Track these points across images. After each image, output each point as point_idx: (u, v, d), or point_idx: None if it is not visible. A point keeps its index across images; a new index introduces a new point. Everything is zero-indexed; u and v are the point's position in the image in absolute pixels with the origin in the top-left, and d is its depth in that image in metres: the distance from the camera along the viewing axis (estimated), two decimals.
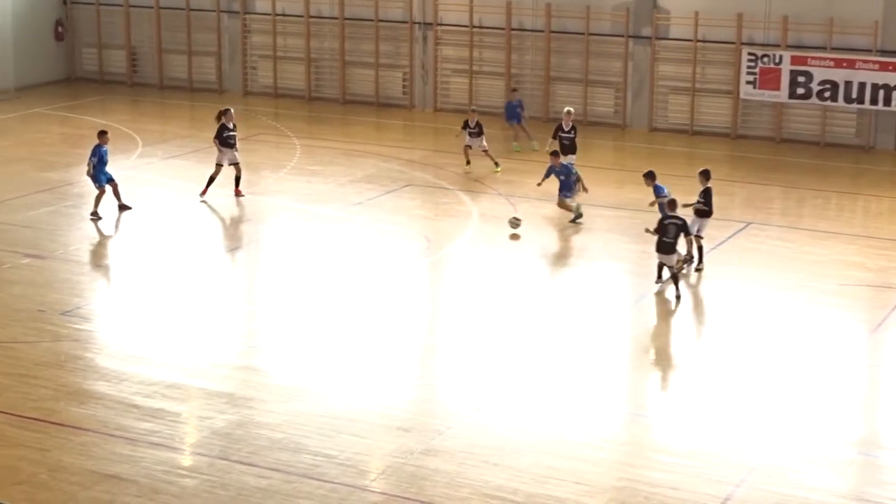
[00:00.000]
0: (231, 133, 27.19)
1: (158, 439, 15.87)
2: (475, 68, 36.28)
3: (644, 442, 16.28)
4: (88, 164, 25.67)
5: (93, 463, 15.20)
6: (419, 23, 36.83)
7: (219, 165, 27.04)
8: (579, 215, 25.51)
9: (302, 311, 20.78)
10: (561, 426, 16.37)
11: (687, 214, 22.30)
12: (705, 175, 23.13)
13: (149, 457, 15.36)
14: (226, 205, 26.82)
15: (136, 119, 35.64)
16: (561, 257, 24.21)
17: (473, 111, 30.68)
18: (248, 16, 39.20)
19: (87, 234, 25.12)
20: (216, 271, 23.00)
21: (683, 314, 20.82)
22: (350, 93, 37.92)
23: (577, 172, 25.85)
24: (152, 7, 40.10)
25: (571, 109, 29.09)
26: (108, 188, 25.80)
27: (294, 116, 36.02)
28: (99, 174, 25.68)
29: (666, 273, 21.53)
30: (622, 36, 34.48)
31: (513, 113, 32.41)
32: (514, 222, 24.94)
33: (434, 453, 15.51)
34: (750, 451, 15.66)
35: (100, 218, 25.55)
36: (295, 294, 21.58)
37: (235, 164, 27.21)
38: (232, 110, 27.53)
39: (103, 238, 25.01)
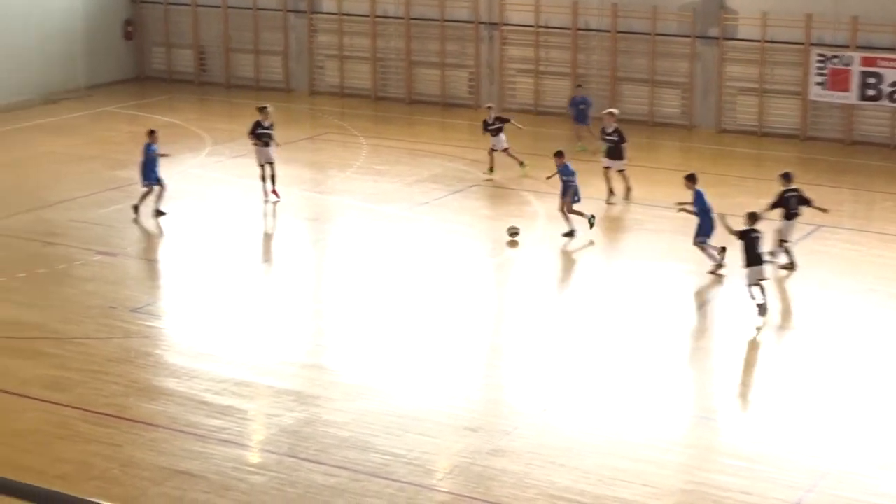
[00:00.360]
0: (265, 130, 26.80)
1: (228, 436, 16.00)
2: (541, 68, 36.24)
3: (712, 445, 16.21)
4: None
5: (163, 459, 15.36)
6: (485, 23, 36.84)
7: (261, 166, 26.81)
8: (591, 222, 24.68)
9: (369, 310, 20.86)
10: (627, 428, 16.34)
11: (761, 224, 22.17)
12: (786, 177, 22.99)
13: (218, 453, 15.50)
14: (293, 203, 26.96)
15: (203, 118, 35.92)
16: (626, 258, 24.12)
17: (489, 107, 30.27)
18: (314, 15, 39.39)
19: (156, 231, 25.36)
20: (284, 270, 23.13)
21: (752, 317, 20.69)
22: (416, 92, 38.00)
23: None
24: (220, 6, 40.38)
25: (615, 111, 28.53)
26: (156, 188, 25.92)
27: (360, 116, 36.15)
28: (148, 172, 25.88)
29: (759, 295, 20.35)
30: (689, 36, 34.30)
31: (581, 114, 32.18)
32: (513, 231, 24.36)
33: (501, 454, 15.54)
34: (821, 456, 15.55)
35: (163, 214, 25.81)
36: (362, 293, 21.67)
37: (270, 164, 26.84)
38: (269, 108, 27.25)
39: (172, 236, 25.22)
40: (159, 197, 25.92)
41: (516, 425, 16.39)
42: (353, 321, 20.50)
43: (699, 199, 22.81)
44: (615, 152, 27.28)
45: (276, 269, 23.06)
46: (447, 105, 37.15)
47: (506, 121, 29.64)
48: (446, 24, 37.22)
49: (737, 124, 34.16)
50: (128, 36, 41.79)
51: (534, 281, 22.36)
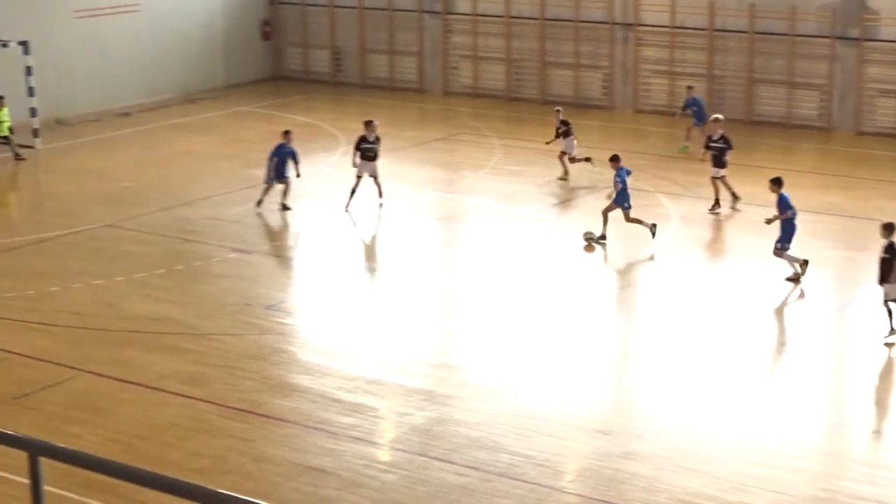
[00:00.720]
0: (370, 145, 26.47)
1: (359, 434, 16.15)
2: (676, 69, 35.96)
3: (846, 453, 15.95)
4: (270, 161, 26.39)
5: (296, 455, 15.56)
6: (620, 23, 36.66)
7: (359, 177, 26.47)
8: (652, 232, 24.04)
9: (500, 310, 20.89)
10: (760, 433, 16.14)
11: None
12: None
13: (350, 451, 15.65)
14: (426, 203, 27.10)
15: (338, 117, 36.28)
16: (762, 261, 23.77)
17: (558, 111, 30.00)
18: (449, 16, 39.56)
19: (291, 230, 25.71)
20: (416, 269, 23.25)
21: (886, 325, 20.28)
22: (549, 93, 37.95)
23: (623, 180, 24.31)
24: (356, 7, 40.77)
25: (720, 116, 27.47)
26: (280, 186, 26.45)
27: (493, 116, 36.20)
28: (277, 169, 26.35)
29: None
30: (828, 37, 33.75)
31: (696, 116, 31.74)
32: (588, 236, 24.14)
33: (632, 457, 15.46)
34: None
35: (288, 209, 26.24)
36: (493, 293, 21.71)
37: (374, 177, 26.55)
38: (375, 122, 26.86)
39: (306, 234, 25.53)
40: (285, 193, 26.43)
41: (647, 428, 16.29)
42: (484, 321, 20.55)
43: (784, 204, 22.16)
44: (720, 160, 26.48)
45: (409, 268, 23.19)
46: (580, 106, 37.00)
47: (568, 125, 29.31)
48: (581, 24, 37.11)
49: (876, 126, 33.51)
50: (265, 36, 42.42)
51: (666, 283, 22.18)
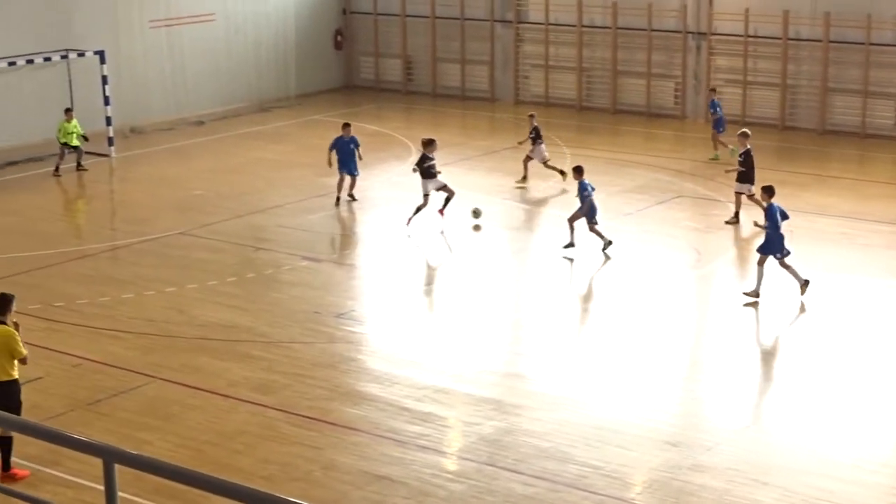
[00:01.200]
0: (432, 163, 26.30)
1: (427, 443, 16.16)
2: (749, 78, 35.69)
3: None
4: (330, 152, 27.63)
5: (364, 463, 15.59)
6: (693, 32, 36.46)
7: (426, 196, 26.22)
8: (605, 246, 24.01)
9: (569, 319, 20.83)
10: (833, 447, 15.95)
11: None
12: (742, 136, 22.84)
13: (418, 460, 15.66)
14: (496, 213, 27.07)
15: (409, 126, 36.38)
16: (838, 273, 23.50)
17: (531, 116, 30.48)
18: (521, 25, 39.55)
19: (361, 238, 25.81)
20: (485, 278, 23.19)
21: None
22: (621, 102, 37.83)
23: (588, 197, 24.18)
24: (428, 17, 40.86)
25: (748, 132, 26.73)
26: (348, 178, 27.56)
27: (564, 126, 36.10)
28: (340, 162, 27.52)
29: None
30: None
31: (717, 121, 31.59)
32: (476, 212, 25.60)
33: (702, 469, 15.34)
34: None
35: (354, 199, 27.45)
36: (561, 303, 21.66)
37: (444, 188, 26.32)
38: (436, 142, 26.71)
39: (375, 243, 25.60)
40: (352, 185, 27.50)
41: (718, 440, 16.16)
42: (552, 331, 20.50)
43: (772, 215, 21.57)
44: (745, 177, 25.90)
45: (477, 277, 23.17)
46: (652, 115, 36.86)
47: (538, 132, 29.79)
48: (654, 33, 36.95)
49: None
50: (338, 46, 42.65)
51: (737, 294, 21.98)
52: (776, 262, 21.36)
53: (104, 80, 32.92)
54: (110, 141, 32.88)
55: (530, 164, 29.47)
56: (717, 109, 31.79)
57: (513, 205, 27.90)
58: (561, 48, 38.93)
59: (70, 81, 33.66)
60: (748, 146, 26.03)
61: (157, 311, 21.17)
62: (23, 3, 33.53)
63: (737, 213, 26.04)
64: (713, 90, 33.30)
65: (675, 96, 37.13)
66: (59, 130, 31.08)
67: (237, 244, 25.07)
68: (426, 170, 26.20)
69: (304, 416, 16.96)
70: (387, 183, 28.76)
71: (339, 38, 42.63)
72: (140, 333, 20.15)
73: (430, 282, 23.29)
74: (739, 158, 26.03)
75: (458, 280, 23.11)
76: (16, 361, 15.01)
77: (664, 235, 25.47)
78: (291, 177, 30.49)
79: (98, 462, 6.59)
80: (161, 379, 18.27)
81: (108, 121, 32.90)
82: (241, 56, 39.22)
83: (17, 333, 15.07)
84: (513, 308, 22.05)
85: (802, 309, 21.12)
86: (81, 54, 33.14)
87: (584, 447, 15.92)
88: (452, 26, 40.63)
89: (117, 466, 6.51)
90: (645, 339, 19.89)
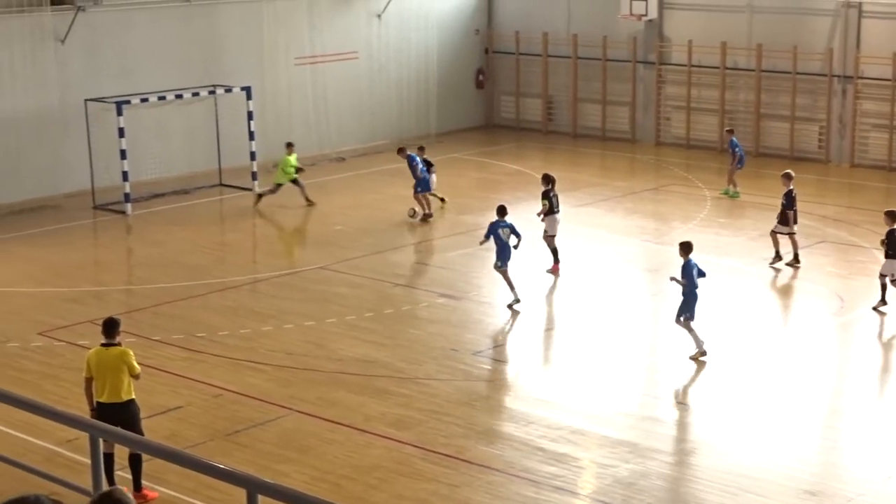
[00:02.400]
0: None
1: (562, 483, 16.09)
2: None
3: None
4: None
5: (498, 502, 15.58)
6: (839, 76, 35.94)
7: (553, 236, 25.92)
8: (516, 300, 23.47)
9: (708, 365, 20.59)
10: None
11: None
12: (889, 216, 22.87)
13: (553, 500, 15.60)
14: (633, 254, 26.94)
15: (548, 166, 36.18)
16: None
17: (421, 148, 31.43)
18: (663, 66, 39.38)
19: (499, 277, 25.78)
20: (621, 319, 23.07)
21: None
22: (763, 145, 37.42)
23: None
24: (569, 57, 40.89)
25: (791, 172, 26.42)
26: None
27: (705, 168, 35.82)
28: (418, 180, 29.72)
29: None
30: None
31: (740, 158, 32.19)
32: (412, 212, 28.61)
33: None
34: None
35: (430, 216, 29.53)
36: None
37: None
38: (554, 178, 26.43)
39: (513, 281, 25.57)
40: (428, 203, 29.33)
41: (861, 491, 15.82)
42: (689, 374, 20.28)
43: (689, 272, 20.96)
44: (781, 216, 25.93)
45: (614, 318, 23.03)
46: (795, 159, 36.34)
47: (430, 164, 30.73)
48: (798, 76, 36.51)
49: None
50: (479, 85, 42.89)
51: (881, 342, 21.56)
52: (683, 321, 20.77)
53: (249, 115, 33.55)
54: (254, 175, 33.44)
55: (420, 196, 30.20)
56: (738, 148, 32.24)
57: (650, 247, 27.71)
58: (703, 90, 38.66)
59: (217, 116, 34.37)
60: (791, 187, 25.86)
61: (295, 345, 21.44)
62: (173, 40, 34.33)
63: (777, 253, 25.91)
64: (730, 131, 33.64)
65: (819, 140, 36.61)
66: (282, 165, 31.52)
67: (375, 280, 25.29)
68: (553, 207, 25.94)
69: (439, 454, 17.01)
70: (521, 221, 28.75)
71: (480, 77, 42.88)
72: (279, 366, 20.42)
73: (567, 321, 23.20)
74: (782, 200, 25.90)
75: (594, 320, 23.00)
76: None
77: (807, 281, 25.08)
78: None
79: (235, 491, 6.70)
80: (299, 412, 18.48)
81: (252, 155, 33.48)
82: (382, 94, 39.65)
83: (129, 352, 15.38)
84: (648, 351, 21.89)
85: None
86: (229, 90, 33.82)
87: (720, 494, 15.72)
88: (594, 67, 40.60)
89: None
90: (785, 385, 19.58)
